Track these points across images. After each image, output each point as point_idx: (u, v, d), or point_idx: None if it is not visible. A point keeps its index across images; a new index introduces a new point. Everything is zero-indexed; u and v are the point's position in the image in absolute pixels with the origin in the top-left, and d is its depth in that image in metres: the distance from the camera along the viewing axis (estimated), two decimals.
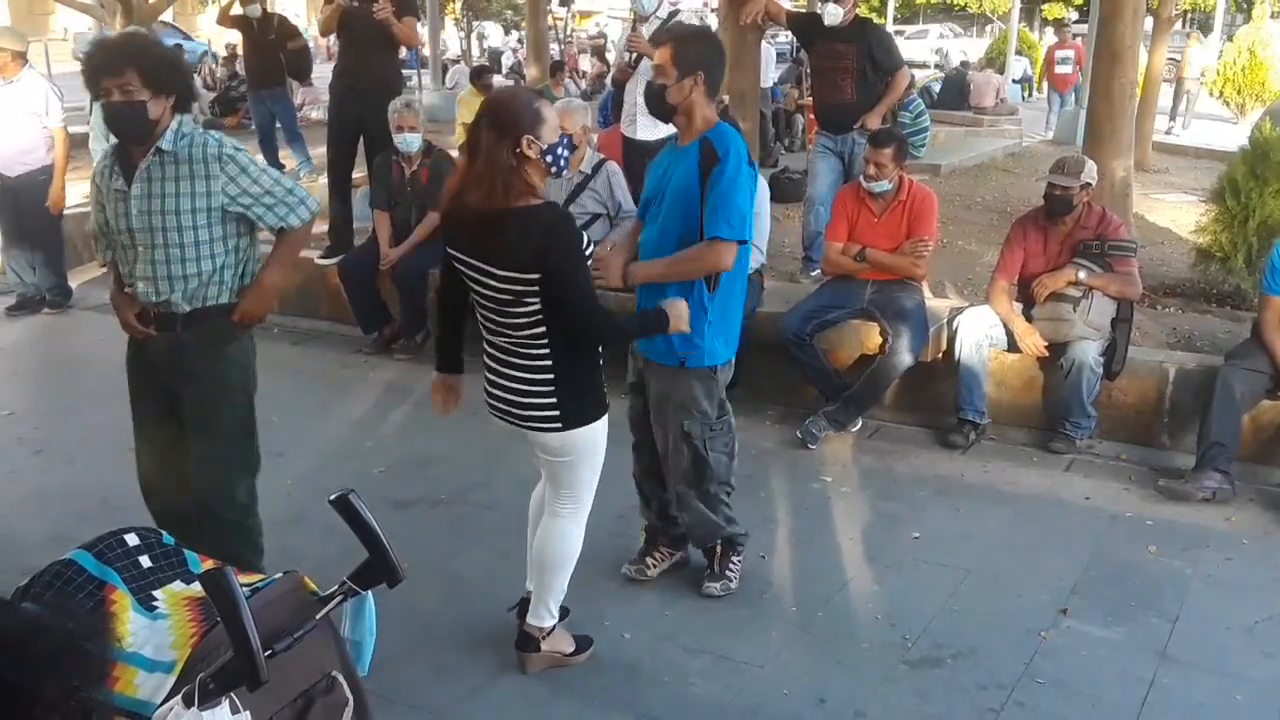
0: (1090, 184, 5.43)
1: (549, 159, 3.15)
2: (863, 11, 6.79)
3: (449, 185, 3.33)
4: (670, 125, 3.90)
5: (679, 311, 3.45)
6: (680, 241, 3.69)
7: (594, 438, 3.42)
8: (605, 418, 3.44)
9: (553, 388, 3.29)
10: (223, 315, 3.58)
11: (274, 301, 3.77)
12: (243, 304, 3.63)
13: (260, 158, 3.21)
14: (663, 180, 3.80)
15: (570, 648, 3.68)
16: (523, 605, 3.69)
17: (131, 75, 3.29)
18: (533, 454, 3.53)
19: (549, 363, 3.27)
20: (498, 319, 3.28)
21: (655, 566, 4.26)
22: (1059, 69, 17.61)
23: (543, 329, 3.23)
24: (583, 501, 3.54)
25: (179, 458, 3.61)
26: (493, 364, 3.38)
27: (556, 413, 3.31)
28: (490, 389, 3.42)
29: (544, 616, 3.60)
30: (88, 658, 1.57)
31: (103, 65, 3.33)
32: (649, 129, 6.76)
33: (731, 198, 3.58)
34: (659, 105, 3.76)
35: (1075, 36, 18.29)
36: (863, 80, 6.86)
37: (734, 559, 4.17)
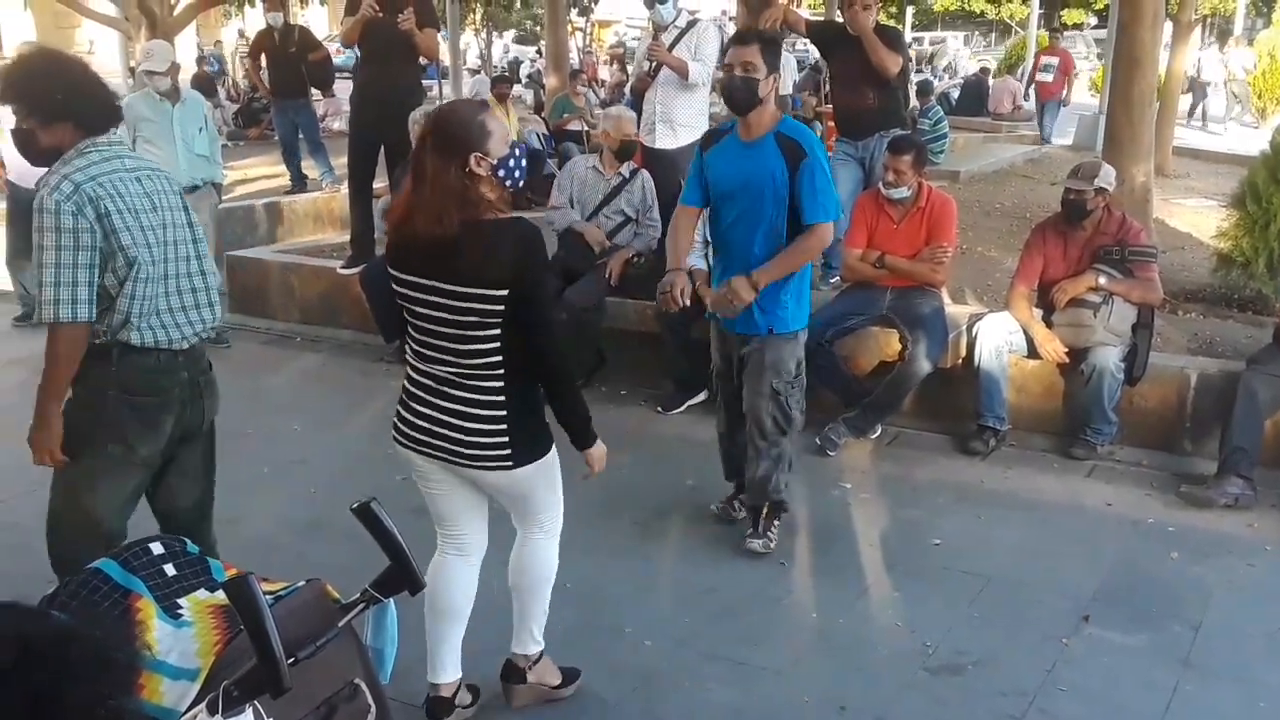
0: (1106, 189, 5.41)
1: (501, 173, 2.98)
2: (880, 19, 6.77)
3: (393, 209, 3.11)
4: (689, 132, 3.99)
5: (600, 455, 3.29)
6: (765, 228, 4.17)
7: (545, 467, 3.21)
8: (553, 448, 3.22)
9: (503, 424, 3.05)
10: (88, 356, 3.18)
11: (50, 434, 3.21)
12: (30, 437, 3.24)
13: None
14: (735, 171, 4.23)
15: (557, 679, 3.54)
16: (433, 706, 3.40)
17: (20, 106, 3.15)
18: (451, 498, 3.30)
19: (501, 397, 3.04)
20: (446, 344, 3.04)
21: (740, 510, 4.72)
22: (1041, 76, 16.95)
23: (499, 358, 3.01)
24: (552, 520, 3.35)
25: None
26: (426, 395, 3.12)
27: (507, 451, 3.07)
28: (420, 422, 3.13)
29: (529, 643, 3.47)
30: (117, 667, 1.59)
31: (1, 92, 3.18)
32: (668, 137, 6.78)
33: (824, 185, 4.12)
34: (747, 96, 4.12)
35: (1063, 43, 18.01)
36: (884, 86, 6.86)
37: (776, 523, 4.53)
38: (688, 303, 4.35)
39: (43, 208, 3.03)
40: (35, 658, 1.41)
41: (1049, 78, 16.65)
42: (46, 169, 3.16)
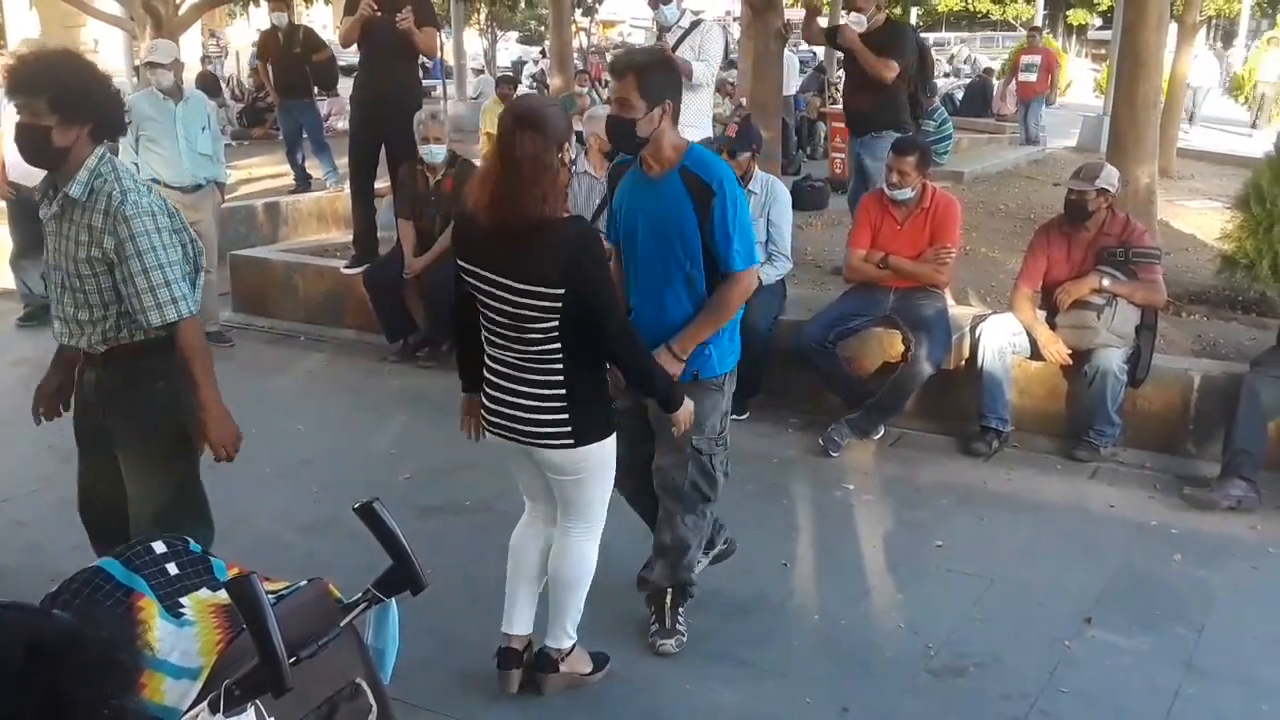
0: (1107, 190, 5.40)
1: (573, 168, 3.11)
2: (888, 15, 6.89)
3: (478, 193, 3.10)
4: (693, 132, 3.85)
5: (688, 413, 3.41)
6: (665, 274, 3.54)
7: (604, 454, 3.34)
8: (615, 434, 3.36)
9: (565, 404, 3.19)
10: (139, 352, 3.30)
11: (232, 423, 3.37)
12: (208, 437, 3.32)
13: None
14: (638, 213, 3.60)
15: (588, 667, 3.63)
16: (504, 656, 3.56)
17: (40, 101, 3.09)
18: (532, 476, 3.45)
19: (560, 378, 3.18)
20: (509, 334, 3.18)
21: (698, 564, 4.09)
22: (1023, 76, 16.64)
23: (557, 345, 3.14)
24: (595, 519, 3.46)
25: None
26: (498, 380, 3.28)
27: (569, 429, 3.21)
28: (494, 406, 3.30)
29: (562, 638, 3.55)
30: (122, 667, 1.59)
31: (15, 84, 3.15)
32: None
33: (738, 227, 3.48)
34: (626, 139, 3.51)
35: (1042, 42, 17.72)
36: (881, 89, 6.91)
37: (682, 609, 3.92)
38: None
39: (138, 213, 3.13)
40: (43, 658, 1.41)
41: (1032, 77, 16.49)
42: (47, 171, 3.16)
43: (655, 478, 3.79)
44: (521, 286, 3.06)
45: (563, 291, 3.04)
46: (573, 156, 3.09)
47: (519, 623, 3.57)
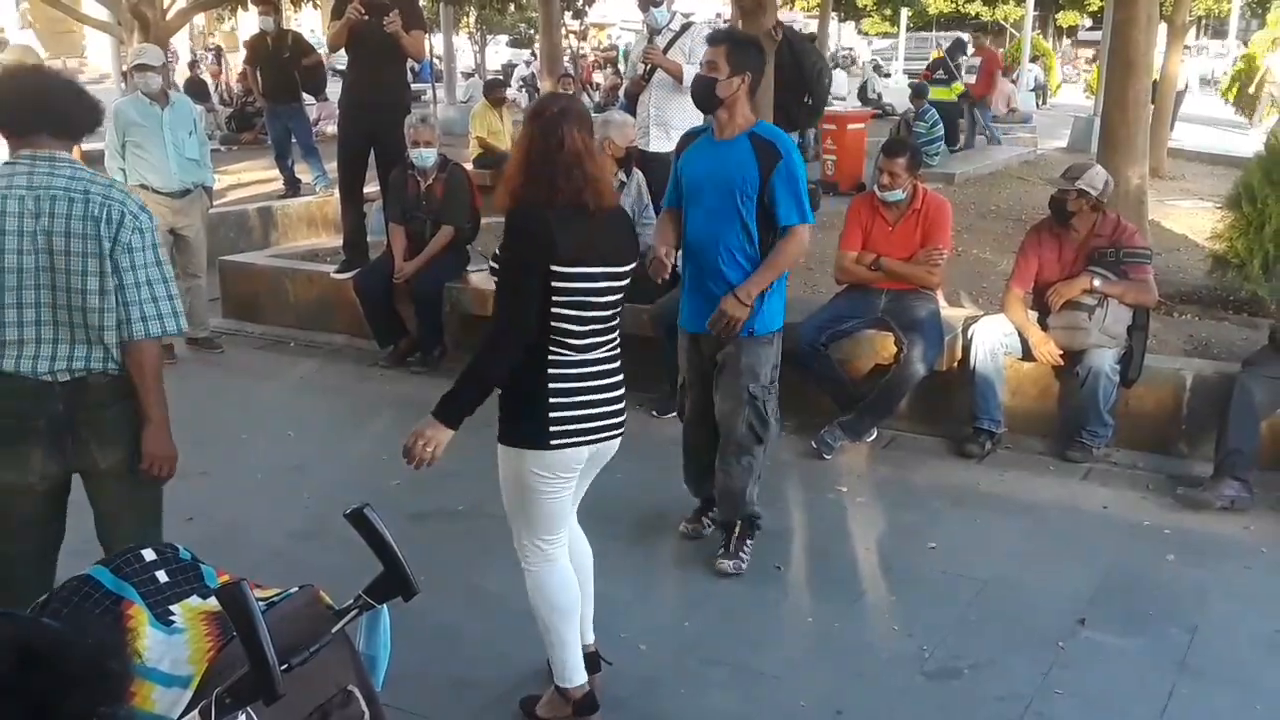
0: (1088, 191, 5.38)
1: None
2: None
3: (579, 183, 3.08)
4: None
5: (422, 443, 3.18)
6: (735, 225, 4.10)
7: (517, 465, 3.17)
8: (538, 454, 3.12)
9: (501, 392, 3.15)
10: None
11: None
12: (149, 449, 3.20)
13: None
14: (705, 168, 4.20)
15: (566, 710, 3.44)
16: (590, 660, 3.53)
17: None
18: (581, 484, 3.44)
19: (619, 360, 3.30)
20: (609, 318, 3.26)
21: (710, 526, 4.65)
22: (965, 78, 16.11)
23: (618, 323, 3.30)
24: (521, 536, 3.30)
25: None
26: (601, 370, 3.28)
27: (500, 424, 3.19)
28: (603, 406, 3.28)
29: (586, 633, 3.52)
30: (112, 675, 1.58)
31: None
32: (662, 140, 6.78)
33: (800, 188, 4.08)
34: (706, 97, 4.13)
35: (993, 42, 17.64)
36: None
37: (749, 541, 4.42)
38: (670, 266, 4.24)
39: (142, 226, 3.05)
40: (33, 666, 1.41)
41: (971, 79, 16.16)
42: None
43: (718, 422, 4.33)
44: (623, 270, 3.23)
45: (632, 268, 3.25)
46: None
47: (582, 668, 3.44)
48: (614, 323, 3.23)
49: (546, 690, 3.46)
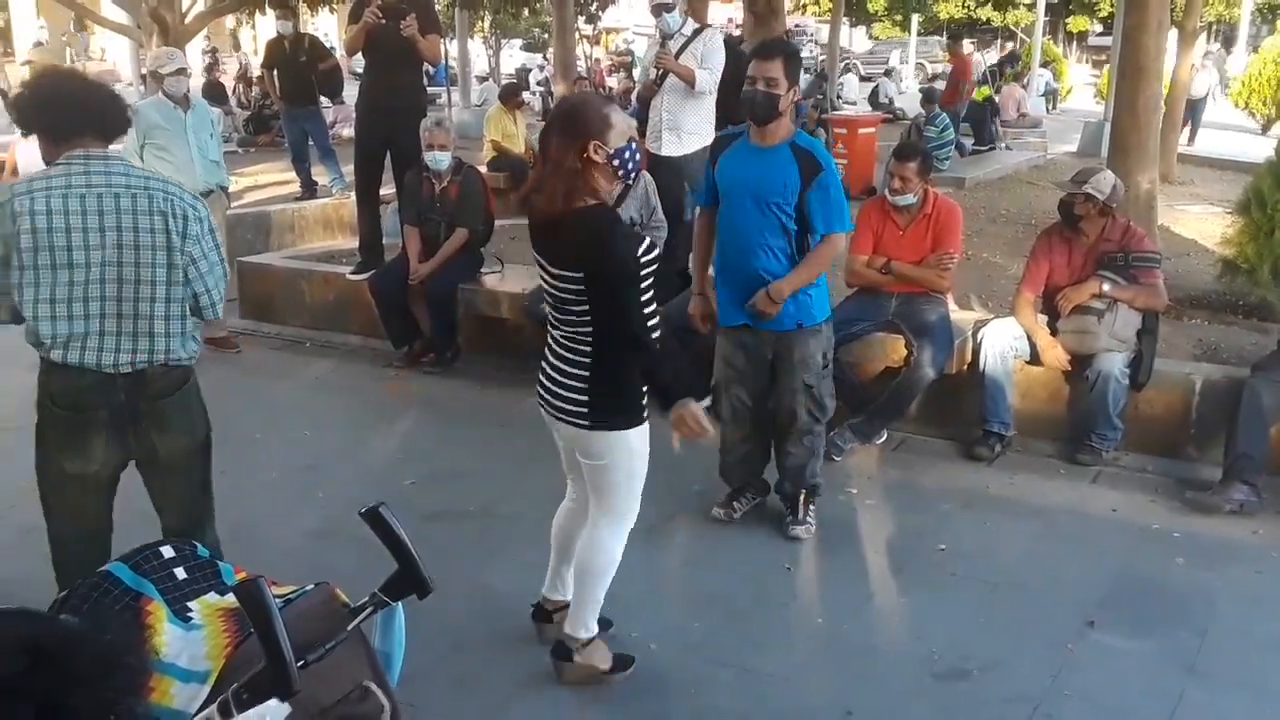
0: (1095, 196, 5.39)
1: (616, 163, 3.24)
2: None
3: (525, 187, 3.44)
4: (696, 140, 4.01)
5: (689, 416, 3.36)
6: (773, 227, 4.35)
7: (625, 445, 3.42)
8: (639, 430, 3.43)
9: (585, 384, 3.34)
10: None
11: None
12: None
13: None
14: (746, 172, 4.41)
15: (606, 664, 3.65)
16: (539, 610, 3.90)
17: None
18: (564, 450, 3.61)
19: (588, 359, 3.33)
20: (556, 313, 3.39)
21: (740, 509, 4.86)
22: (937, 85, 16.26)
23: (589, 328, 3.31)
24: (617, 511, 3.53)
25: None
26: (547, 353, 3.48)
27: (585, 410, 3.36)
28: (540, 375, 3.51)
29: (579, 628, 3.61)
30: (128, 671, 1.60)
31: None
32: (674, 144, 6.80)
33: (838, 198, 4.37)
34: (768, 109, 4.32)
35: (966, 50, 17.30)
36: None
37: (812, 506, 4.77)
38: (709, 326, 4.65)
39: (201, 215, 3.24)
40: (45, 664, 1.43)
41: (939, 86, 16.04)
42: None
43: (778, 412, 4.64)
44: (553, 270, 3.30)
45: (580, 275, 3.22)
46: (610, 151, 3.20)
47: (549, 586, 3.89)
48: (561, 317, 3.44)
49: (578, 656, 3.62)
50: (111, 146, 3.28)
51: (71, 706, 1.42)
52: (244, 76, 21.44)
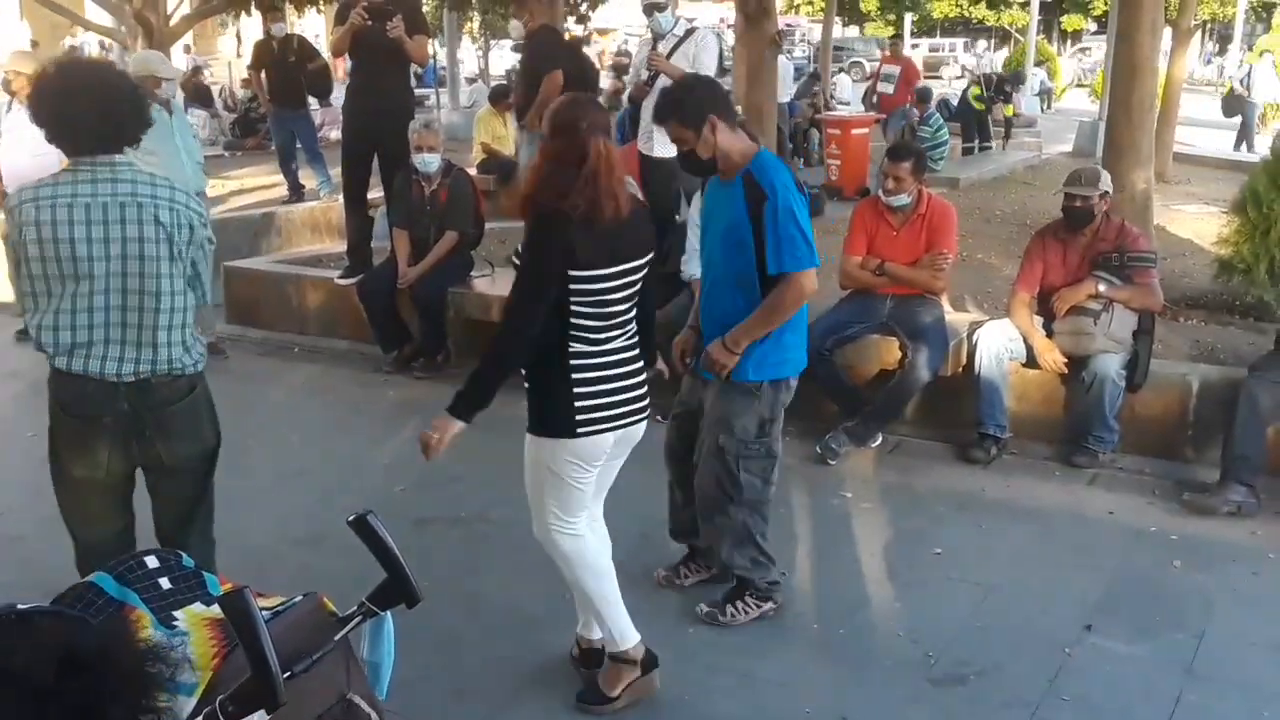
0: (1108, 192, 5.40)
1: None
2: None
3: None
4: None
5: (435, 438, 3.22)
6: (731, 278, 3.78)
7: (549, 453, 3.29)
8: (567, 443, 3.26)
9: (528, 387, 3.32)
10: None
11: None
12: None
13: None
14: (711, 210, 3.95)
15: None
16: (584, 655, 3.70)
17: None
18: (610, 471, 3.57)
19: (533, 362, 3.28)
20: (627, 314, 3.36)
21: (688, 578, 4.31)
22: (881, 87, 15.79)
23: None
24: (546, 515, 3.39)
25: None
26: (623, 357, 3.39)
27: (529, 414, 3.33)
28: (620, 385, 3.40)
29: (591, 627, 3.63)
30: (153, 680, 1.59)
31: None
32: (665, 146, 6.74)
33: (789, 230, 3.62)
34: (700, 169, 3.80)
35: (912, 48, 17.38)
36: None
37: (740, 603, 4.03)
38: (688, 363, 4.11)
39: (204, 219, 3.29)
40: (77, 672, 1.41)
41: (889, 89, 15.67)
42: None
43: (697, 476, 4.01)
44: (639, 261, 3.31)
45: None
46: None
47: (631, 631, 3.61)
48: (631, 314, 3.33)
49: (597, 672, 3.56)
50: None
51: (103, 713, 1.40)
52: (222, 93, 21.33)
